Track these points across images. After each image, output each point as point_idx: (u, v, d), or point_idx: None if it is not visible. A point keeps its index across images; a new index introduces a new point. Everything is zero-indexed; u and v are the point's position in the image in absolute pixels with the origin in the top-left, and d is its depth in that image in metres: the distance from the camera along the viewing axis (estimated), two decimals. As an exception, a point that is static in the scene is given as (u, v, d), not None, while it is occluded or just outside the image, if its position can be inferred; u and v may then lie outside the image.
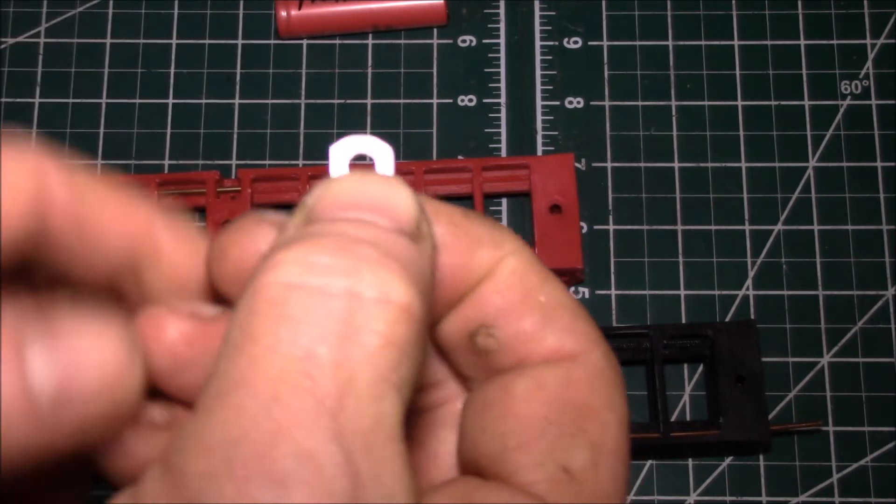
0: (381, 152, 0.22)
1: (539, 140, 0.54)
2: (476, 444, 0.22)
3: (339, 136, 0.54)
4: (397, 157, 0.54)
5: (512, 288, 0.23)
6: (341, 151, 0.22)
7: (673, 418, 0.49)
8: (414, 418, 0.24)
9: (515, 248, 0.23)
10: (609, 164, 0.53)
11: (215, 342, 0.20)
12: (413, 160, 0.53)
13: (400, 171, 0.51)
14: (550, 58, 0.55)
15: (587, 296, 0.51)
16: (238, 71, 0.55)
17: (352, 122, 0.54)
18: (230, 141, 0.54)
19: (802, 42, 0.55)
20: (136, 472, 0.20)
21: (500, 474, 0.22)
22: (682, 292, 0.51)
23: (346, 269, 0.18)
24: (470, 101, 0.54)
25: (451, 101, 0.54)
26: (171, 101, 0.54)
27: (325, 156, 0.56)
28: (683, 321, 0.51)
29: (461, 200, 0.52)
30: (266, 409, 0.18)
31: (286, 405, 0.18)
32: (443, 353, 0.24)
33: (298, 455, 0.17)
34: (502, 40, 0.55)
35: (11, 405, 0.18)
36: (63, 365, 0.19)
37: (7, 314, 0.19)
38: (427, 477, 0.24)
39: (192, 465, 0.17)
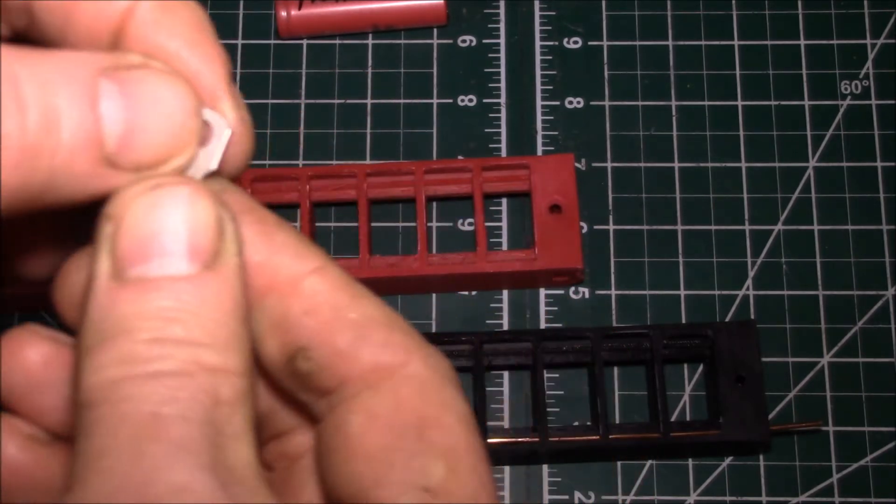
0: (218, 133, 0.22)
1: (539, 140, 0.54)
2: (335, 489, 0.23)
3: (340, 136, 0.54)
4: (397, 157, 0.54)
5: (321, 308, 0.23)
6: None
7: (673, 418, 0.49)
8: (279, 474, 0.25)
9: (322, 265, 0.23)
10: (609, 164, 0.53)
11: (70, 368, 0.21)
12: (413, 160, 0.53)
13: (400, 171, 0.51)
14: (550, 58, 0.55)
15: (587, 296, 0.51)
16: (238, 71, 0.55)
17: (352, 122, 0.54)
18: (230, 141, 0.54)
19: (802, 42, 0.55)
20: None
21: None
22: (682, 292, 0.51)
23: (159, 356, 0.20)
24: (470, 101, 0.54)
25: (451, 101, 0.54)
26: (171, 101, 0.54)
27: (325, 156, 0.57)
28: (683, 321, 0.51)
29: (461, 200, 0.52)
30: (132, 463, 0.18)
31: (150, 454, 0.18)
32: (278, 390, 0.24)
33: (175, 490, 0.18)
34: (502, 40, 0.55)
35: (79, 136, 0.19)
36: (132, 112, 0.20)
37: (87, 55, 0.20)
38: None
39: None
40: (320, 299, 0.23)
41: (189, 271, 0.20)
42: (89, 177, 0.20)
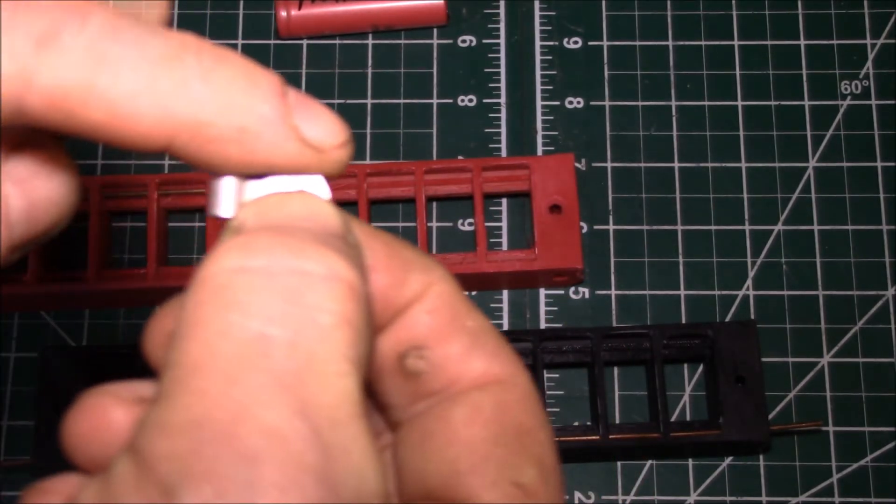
0: (313, 185, 0.22)
1: (539, 140, 0.54)
2: (422, 475, 0.22)
3: (339, 136, 0.54)
4: (397, 157, 0.54)
5: (441, 310, 0.23)
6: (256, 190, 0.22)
7: (673, 418, 0.49)
8: None
9: (443, 275, 0.24)
10: (609, 164, 0.53)
11: None
12: (413, 160, 0.53)
13: (400, 171, 0.51)
14: (550, 58, 0.55)
15: (587, 296, 0.51)
16: (238, 71, 0.55)
17: (352, 122, 0.54)
18: (230, 141, 0.54)
19: (802, 42, 0.55)
20: None
21: (454, 500, 0.22)
22: (682, 292, 0.51)
23: (290, 248, 0.18)
24: (470, 101, 0.54)
25: (451, 101, 0.54)
26: (171, 101, 0.54)
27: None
28: (683, 321, 0.51)
29: (461, 200, 0.52)
30: (225, 391, 0.17)
31: (245, 385, 0.17)
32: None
33: (264, 432, 0.17)
34: (502, 40, 0.55)
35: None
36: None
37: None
38: None
39: (159, 448, 0.17)
40: (440, 303, 0.23)
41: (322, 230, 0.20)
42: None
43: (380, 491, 0.18)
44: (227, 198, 0.21)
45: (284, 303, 0.18)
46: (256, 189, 0.21)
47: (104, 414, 0.22)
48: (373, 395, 0.24)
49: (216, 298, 0.18)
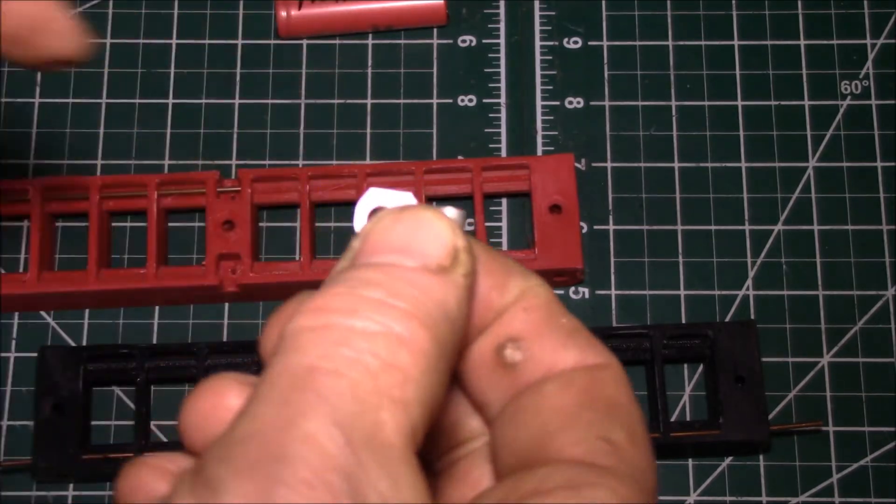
0: (404, 201, 0.25)
1: (539, 140, 0.54)
2: (513, 446, 0.23)
3: (340, 136, 0.54)
4: (397, 157, 0.54)
5: (537, 309, 0.25)
6: (364, 206, 0.25)
7: (673, 418, 0.49)
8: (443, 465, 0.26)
9: (540, 282, 0.26)
10: (609, 164, 0.53)
11: None
12: (413, 160, 0.53)
13: (400, 171, 0.51)
14: (550, 58, 0.55)
15: (587, 296, 0.51)
16: (238, 71, 0.55)
17: (352, 123, 0.54)
18: (230, 141, 0.54)
19: (802, 42, 0.55)
20: None
21: (545, 458, 0.23)
22: (682, 292, 0.51)
23: (349, 311, 0.21)
24: (470, 101, 0.54)
25: (451, 101, 0.54)
26: (171, 101, 0.54)
27: (325, 156, 0.57)
28: (683, 321, 0.51)
29: (461, 200, 0.52)
30: (277, 410, 0.20)
31: (294, 404, 0.20)
32: (463, 381, 0.25)
33: (302, 438, 0.19)
34: (502, 40, 0.55)
35: None
36: None
37: None
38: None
39: (213, 459, 0.19)
40: (536, 303, 0.25)
41: (411, 265, 0.22)
42: None
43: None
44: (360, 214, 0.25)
45: (338, 347, 0.20)
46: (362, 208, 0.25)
47: (221, 397, 0.23)
48: (470, 393, 0.25)
49: (282, 349, 0.21)
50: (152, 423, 0.48)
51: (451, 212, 0.24)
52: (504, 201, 0.53)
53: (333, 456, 0.19)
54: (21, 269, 0.51)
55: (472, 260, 0.23)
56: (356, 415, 0.19)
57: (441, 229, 0.23)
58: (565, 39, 0.55)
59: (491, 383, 0.24)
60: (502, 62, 0.55)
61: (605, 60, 0.55)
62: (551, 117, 0.54)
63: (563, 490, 0.21)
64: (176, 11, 0.56)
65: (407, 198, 0.25)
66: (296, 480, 0.18)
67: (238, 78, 0.55)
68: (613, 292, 0.52)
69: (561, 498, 0.21)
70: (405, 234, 0.22)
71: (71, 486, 0.48)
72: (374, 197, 0.25)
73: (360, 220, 0.25)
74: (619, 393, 0.24)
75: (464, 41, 0.55)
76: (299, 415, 0.19)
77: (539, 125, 0.54)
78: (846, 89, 0.54)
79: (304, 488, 0.18)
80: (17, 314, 0.51)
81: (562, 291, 0.51)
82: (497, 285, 0.24)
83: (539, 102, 0.54)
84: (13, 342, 0.50)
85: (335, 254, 0.52)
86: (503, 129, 0.54)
